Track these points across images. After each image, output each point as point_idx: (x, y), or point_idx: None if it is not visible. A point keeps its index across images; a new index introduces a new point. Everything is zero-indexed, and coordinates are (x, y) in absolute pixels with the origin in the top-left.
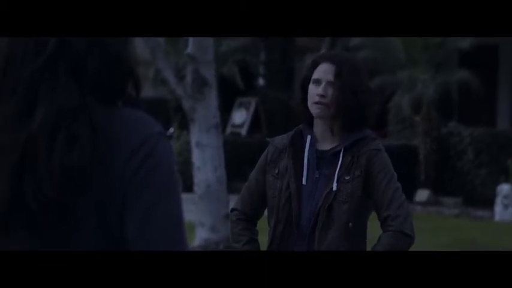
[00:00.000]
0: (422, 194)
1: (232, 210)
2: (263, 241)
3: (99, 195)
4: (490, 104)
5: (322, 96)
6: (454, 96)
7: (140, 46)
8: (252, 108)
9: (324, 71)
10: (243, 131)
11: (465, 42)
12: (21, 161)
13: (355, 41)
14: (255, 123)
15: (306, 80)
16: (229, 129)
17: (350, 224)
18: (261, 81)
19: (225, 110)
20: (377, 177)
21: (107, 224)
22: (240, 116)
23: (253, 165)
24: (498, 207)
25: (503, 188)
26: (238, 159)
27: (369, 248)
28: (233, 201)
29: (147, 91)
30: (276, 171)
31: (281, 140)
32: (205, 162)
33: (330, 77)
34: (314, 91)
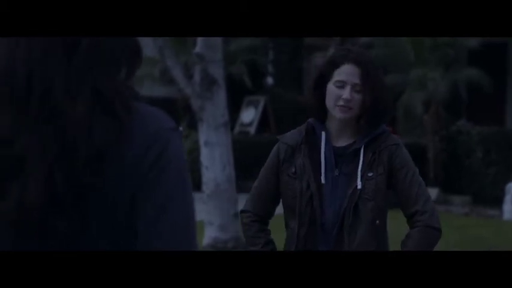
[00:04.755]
0: (431, 193)
1: (243, 211)
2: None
3: (111, 183)
4: (499, 102)
5: (348, 100)
6: (463, 94)
7: (148, 45)
8: (260, 107)
9: (348, 73)
10: (252, 130)
11: (474, 41)
12: (55, 160)
13: (364, 40)
14: (263, 122)
15: (324, 78)
16: (237, 128)
17: (377, 221)
18: (269, 80)
19: (234, 109)
20: (400, 173)
21: (116, 214)
22: (248, 115)
23: (262, 164)
24: (507, 206)
25: None
26: (246, 158)
27: (396, 245)
28: (242, 200)
29: (156, 90)
30: (293, 170)
31: (292, 136)
32: (214, 161)
33: (356, 80)
34: (337, 93)
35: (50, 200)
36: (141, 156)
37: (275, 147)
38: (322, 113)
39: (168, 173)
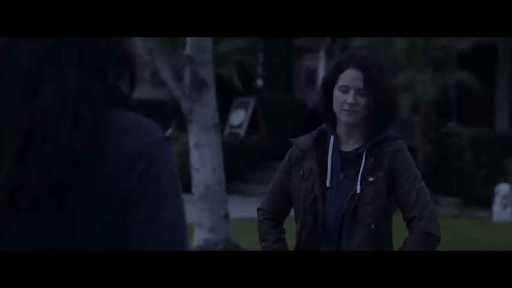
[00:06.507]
0: None
1: (259, 210)
2: (290, 242)
3: (102, 190)
4: (488, 104)
5: (352, 105)
6: (452, 96)
7: (138, 47)
8: (250, 109)
9: (351, 78)
10: (242, 132)
11: (464, 44)
12: (26, 142)
13: (355, 43)
14: (253, 124)
15: (330, 84)
16: (227, 130)
17: (372, 226)
18: (259, 82)
19: (224, 110)
20: (400, 179)
21: (110, 221)
22: (238, 117)
23: (251, 165)
24: (496, 207)
25: (502, 188)
26: (236, 160)
27: (395, 248)
28: (232, 202)
29: (146, 92)
30: (301, 172)
31: (304, 140)
32: (204, 163)
33: (359, 84)
34: (342, 98)
35: (21, 188)
36: (131, 164)
37: (290, 150)
38: (331, 117)
39: (160, 179)
